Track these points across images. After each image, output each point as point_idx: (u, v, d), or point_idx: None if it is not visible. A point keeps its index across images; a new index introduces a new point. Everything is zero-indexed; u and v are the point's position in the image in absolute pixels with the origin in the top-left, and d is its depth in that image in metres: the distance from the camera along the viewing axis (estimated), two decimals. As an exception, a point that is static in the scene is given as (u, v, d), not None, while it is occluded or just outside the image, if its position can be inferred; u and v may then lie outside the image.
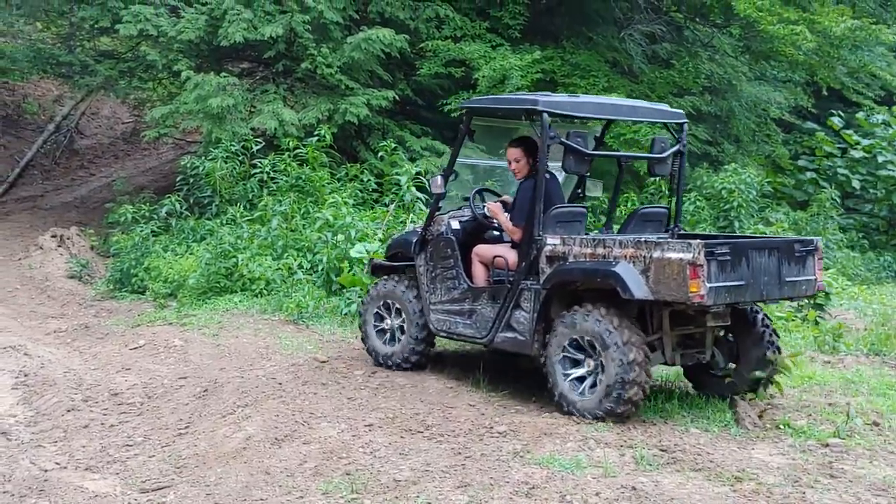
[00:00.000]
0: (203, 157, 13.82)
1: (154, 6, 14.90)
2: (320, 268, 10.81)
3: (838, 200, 16.44)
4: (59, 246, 14.77)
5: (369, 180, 13.46)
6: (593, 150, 7.24)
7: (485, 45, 14.86)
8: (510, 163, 7.16)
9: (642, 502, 4.69)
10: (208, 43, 14.66)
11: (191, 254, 12.13)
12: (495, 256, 7.01)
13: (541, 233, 6.54)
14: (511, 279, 6.74)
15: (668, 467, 5.28)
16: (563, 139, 6.53)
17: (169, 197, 13.79)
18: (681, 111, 7.50)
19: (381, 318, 7.73)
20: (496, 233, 7.49)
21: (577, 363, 6.25)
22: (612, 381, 5.95)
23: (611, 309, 6.04)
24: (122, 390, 7.29)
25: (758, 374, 6.59)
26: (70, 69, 17.67)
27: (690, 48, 17.25)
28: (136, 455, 5.80)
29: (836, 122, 17.57)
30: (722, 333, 6.79)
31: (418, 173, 12.25)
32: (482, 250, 7.21)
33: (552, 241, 6.47)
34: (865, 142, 17.27)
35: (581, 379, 6.23)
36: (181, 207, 13.64)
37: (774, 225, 14.55)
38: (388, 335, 7.68)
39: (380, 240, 10.75)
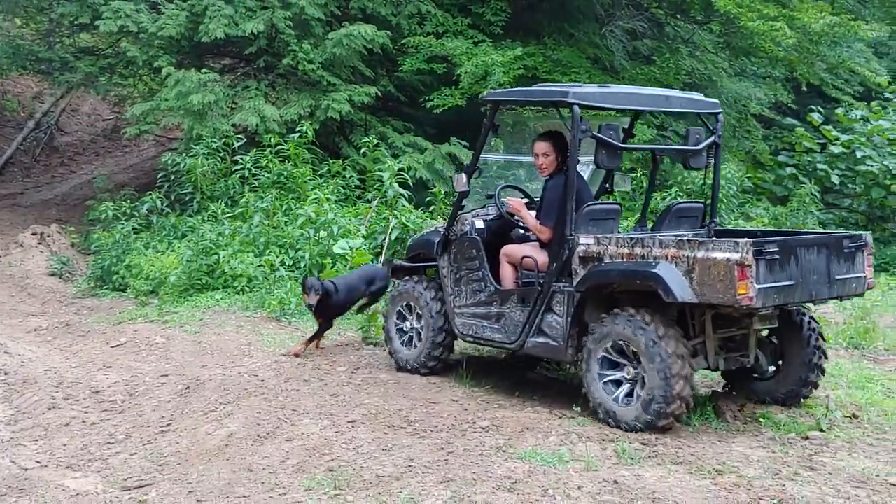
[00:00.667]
0: (184, 154, 13.78)
1: (134, 2, 14.83)
2: (303, 264, 10.79)
3: (818, 195, 16.53)
4: (40, 243, 14.68)
5: (352, 176, 13.46)
6: (622, 142, 6.79)
7: (467, 42, 14.87)
8: (537, 157, 6.81)
9: (624, 496, 4.71)
10: (189, 39, 14.60)
11: (172, 251, 12.08)
12: (524, 257, 6.66)
13: (573, 232, 6.21)
14: (541, 281, 6.42)
15: (650, 461, 5.31)
16: (594, 132, 6.20)
17: (150, 194, 13.74)
18: (715, 101, 7.17)
19: (403, 320, 7.51)
20: (522, 231, 7.20)
21: (615, 369, 5.97)
22: (653, 394, 5.67)
23: (654, 316, 5.74)
24: (103, 388, 7.26)
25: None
26: (50, 66, 17.54)
27: (671, 44, 17.32)
28: (117, 453, 5.78)
29: (815, 117, 17.68)
30: (765, 335, 6.49)
31: (401, 169, 12.24)
32: (511, 250, 6.86)
33: (585, 241, 6.13)
34: (844, 137, 17.37)
35: (618, 385, 5.95)
36: (162, 204, 13.60)
37: (755, 220, 14.62)
38: (408, 338, 7.46)
39: (363, 236, 10.74)
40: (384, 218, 11.22)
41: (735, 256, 5.37)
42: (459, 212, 7.18)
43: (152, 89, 16.81)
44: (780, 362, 6.54)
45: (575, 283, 6.16)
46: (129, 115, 15.77)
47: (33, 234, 14.92)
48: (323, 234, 10.77)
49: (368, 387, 6.99)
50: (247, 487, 4.99)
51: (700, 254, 5.53)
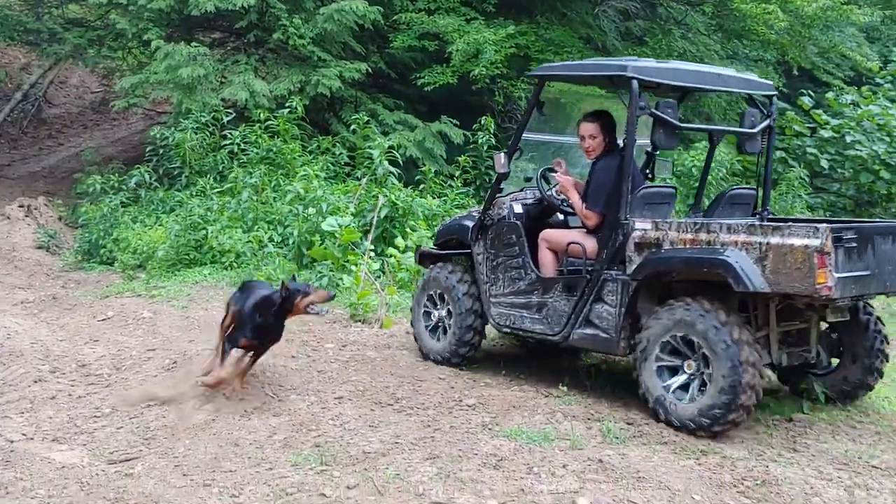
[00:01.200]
0: (173, 128, 13.71)
1: (123, -27, 14.69)
2: (291, 241, 10.77)
3: (807, 179, 16.56)
4: (27, 216, 14.62)
5: (341, 153, 13.42)
6: None
7: (459, 19, 14.79)
8: (583, 139, 6.40)
9: (609, 475, 4.74)
10: (179, 12, 14.48)
11: (160, 225, 12.06)
12: (570, 243, 6.22)
13: (628, 216, 5.82)
14: (590, 269, 6.03)
15: (635, 440, 5.34)
16: (653, 110, 5.80)
17: (138, 168, 13.69)
18: (770, 82, 6.80)
19: (430, 310, 7.14)
20: (561, 217, 6.86)
21: (674, 365, 5.58)
22: (721, 385, 5.26)
23: (717, 303, 5.38)
24: (89, 361, 7.24)
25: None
26: (38, 37, 17.38)
27: (663, 26, 17.28)
28: (103, 426, 5.77)
29: (806, 101, 17.68)
30: (825, 329, 6.14)
31: (391, 147, 12.21)
32: (552, 236, 6.46)
33: (642, 226, 5.74)
34: (834, 122, 17.38)
35: (681, 382, 5.55)
36: (150, 178, 13.56)
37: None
38: (436, 328, 7.10)
39: (352, 214, 10.72)
40: (373, 196, 11.19)
41: (815, 243, 5.01)
42: (497, 195, 6.76)
43: (141, 62, 16.68)
44: (839, 358, 6.24)
45: (630, 272, 5.78)
46: (117, 87, 15.67)
47: (20, 206, 14.85)
48: (312, 210, 10.74)
49: (356, 364, 6.99)
50: (233, 462, 5.00)
51: (775, 240, 5.17)
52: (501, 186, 6.75)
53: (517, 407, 5.92)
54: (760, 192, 6.83)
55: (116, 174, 14.12)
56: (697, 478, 4.76)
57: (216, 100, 13.66)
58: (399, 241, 9.89)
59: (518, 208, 6.76)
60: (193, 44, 14.03)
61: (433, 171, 13.05)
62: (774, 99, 6.62)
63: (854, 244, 5.20)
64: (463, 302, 6.84)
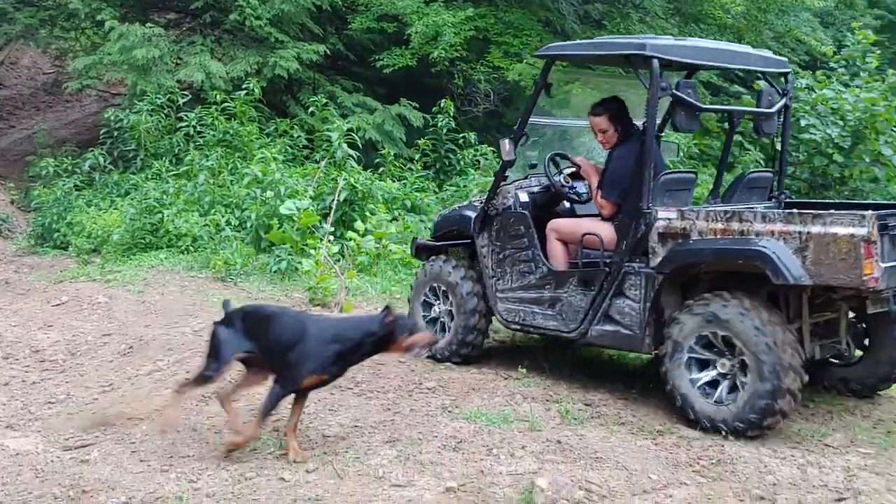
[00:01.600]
0: (127, 110, 13.55)
1: (75, -48, 14.42)
2: (249, 224, 10.69)
3: (762, 163, 16.76)
4: (-23, 199, 14.35)
5: (299, 136, 13.34)
6: None
7: (418, 1, 14.73)
8: (596, 134, 6.15)
9: (567, 455, 4.78)
10: (133, -9, 14.27)
11: (115, 209, 11.91)
12: (585, 234, 5.89)
13: (650, 204, 5.47)
14: (608, 261, 5.72)
15: (593, 421, 5.40)
16: (674, 90, 5.47)
17: (92, 150, 13.49)
18: (785, 59, 6.49)
19: (430, 305, 6.75)
20: (568, 205, 6.57)
21: (706, 364, 5.27)
22: (759, 388, 4.96)
23: (762, 302, 5.09)
24: (44, 347, 7.14)
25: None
26: (-13, 16, 17.02)
27: (622, 9, 17.35)
28: (58, 413, 5.70)
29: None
30: (852, 319, 5.84)
31: (349, 130, 12.15)
32: (562, 226, 6.15)
33: (666, 215, 5.39)
34: (789, 105, 17.63)
35: (712, 383, 5.25)
36: (105, 161, 13.38)
37: (700, 186, 14.79)
38: (437, 323, 6.71)
39: (310, 197, 10.65)
40: (332, 179, 11.14)
41: (860, 232, 4.70)
42: (501, 183, 6.39)
43: (95, 43, 16.39)
44: (865, 352, 5.98)
45: (655, 264, 5.44)
46: (70, 69, 15.42)
47: (-29, 189, 14.59)
48: (270, 194, 10.65)
49: (315, 347, 6.95)
50: (191, 447, 4.96)
51: (816, 229, 4.85)
52: (506, 174, 6.37)
53: (477, 389, 5.94)
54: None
55: (70, 157, 13.92)
56: (654, 457, 4.82)
57: (172, 81, 13.50)
58: (358, 224, 9.86)
59: (524, 197, 6.41)
60: (148, 24, 13.84)
61: (392, 154, 13.03)
62: (790, 76, 6.36)
63: None
64: (467, 297, 6.48)
